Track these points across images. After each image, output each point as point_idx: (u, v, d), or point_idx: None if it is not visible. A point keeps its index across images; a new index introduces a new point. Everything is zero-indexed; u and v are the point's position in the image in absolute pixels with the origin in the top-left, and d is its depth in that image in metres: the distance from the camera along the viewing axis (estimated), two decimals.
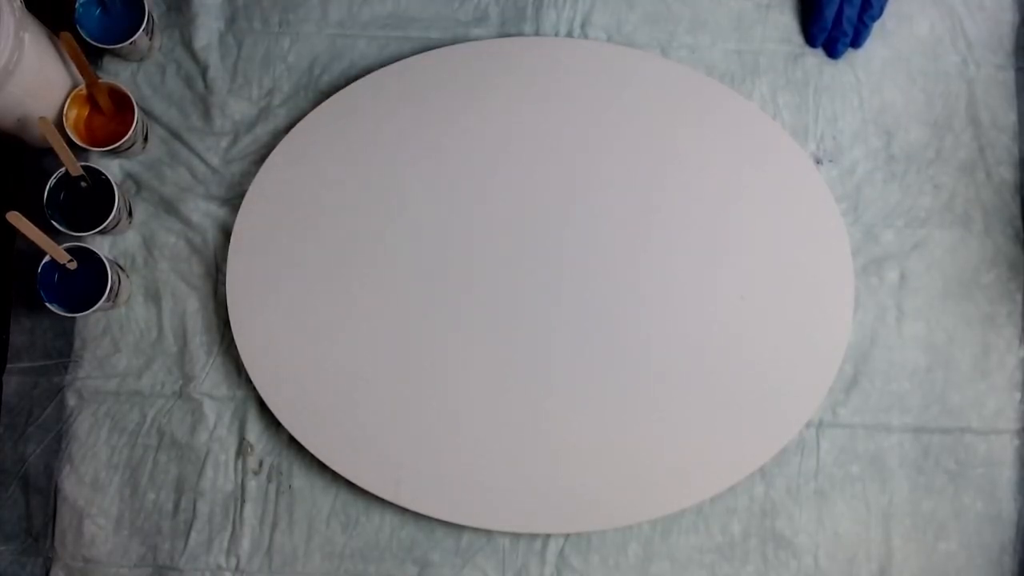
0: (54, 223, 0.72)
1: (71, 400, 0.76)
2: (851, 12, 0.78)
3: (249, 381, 0.75)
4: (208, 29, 0.79)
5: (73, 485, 0.75)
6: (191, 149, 0.78)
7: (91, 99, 0.74)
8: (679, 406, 0.75)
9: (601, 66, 0.78)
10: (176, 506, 0.75)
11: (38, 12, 0.71)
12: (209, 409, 0.76)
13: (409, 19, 0.79)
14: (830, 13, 0.78)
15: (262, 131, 0.78)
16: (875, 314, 0.78)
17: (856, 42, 0.79)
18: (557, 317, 0.75)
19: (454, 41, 0.79)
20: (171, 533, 0.75)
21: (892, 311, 0.78)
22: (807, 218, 0.77)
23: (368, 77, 0.77)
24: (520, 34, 0.79)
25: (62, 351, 0.76)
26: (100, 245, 0.76)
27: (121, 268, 0.75)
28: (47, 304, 0.71)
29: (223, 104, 0.78)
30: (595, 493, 0.74)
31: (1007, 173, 0.79)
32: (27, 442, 0.75)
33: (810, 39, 0.79)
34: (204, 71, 0.78)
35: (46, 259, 0.71)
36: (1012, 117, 0.80)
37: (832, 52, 0.79)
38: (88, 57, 0.72)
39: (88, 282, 0.71)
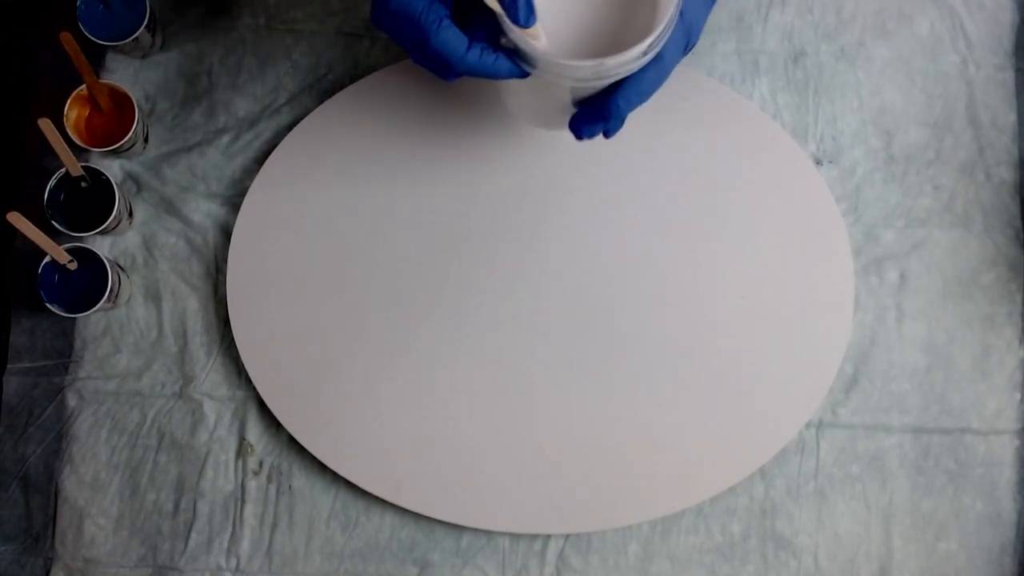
0: (54, 223, 0.72)
1: (71, 400, 0.76)
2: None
3: (249, 381, 0.75)
4: (214, 25, 0.79)
5: (73, 485, 0.75)
6: (193, 147, 0.78)
7: (91, 99, 0.74)
8: (679, 406, 0.75)
9: None
10: (176, 506, 0.75)
11: (40, 10, 0.70)
12: (209, 409, 0.76)
13: None
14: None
15: (265, 129, 0.78)
16: (875, 314, 0.78)
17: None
18: (557, 317, 0.75)
19: None
20: (171, 533, 0.75)
21: (892, 311, 0.78)
22: (807, 218, 0.77)
23: (371, 76, 0.77)
24: None
25: (62, 351, 0.76)
26: (100, 245, 0.76)
27: (121, 268, 0.75)
28: (47, 304, 0.71)
29: (227, 101, 0.78)
30: (595, 493, 0.74)
31: (1007, 174, 0.79)
32: (27, 442, 0.75)
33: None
34: (208, 68, 0.78)
35: (46, 259, 0.71)
36: (1012, 117, 0.80)
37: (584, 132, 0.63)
38: (91, 54, 0.72)
39: (88, 282, 0.71)
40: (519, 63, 0.57)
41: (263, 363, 0.75)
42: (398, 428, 0.74)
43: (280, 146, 0.77)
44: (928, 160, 0.79)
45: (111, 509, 0.75)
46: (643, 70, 0.58)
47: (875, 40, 0.80)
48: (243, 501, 0.75)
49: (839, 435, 0.77)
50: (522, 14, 0.55)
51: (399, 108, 0.77)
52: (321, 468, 0.75)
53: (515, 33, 0.56)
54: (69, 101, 0.73)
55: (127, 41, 0.73)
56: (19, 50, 0.81)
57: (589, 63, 0.55)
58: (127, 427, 0.76)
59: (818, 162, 0.79)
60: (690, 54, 0.79)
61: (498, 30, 0.57)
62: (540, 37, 0.57)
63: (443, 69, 0.58)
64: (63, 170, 0.71)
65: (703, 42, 0.80)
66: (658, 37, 0.55)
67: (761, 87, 0.79)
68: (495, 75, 0.57)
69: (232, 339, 0.75)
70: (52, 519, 0.75)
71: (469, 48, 0.57)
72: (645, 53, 0.55)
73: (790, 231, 0.77)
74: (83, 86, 0.73)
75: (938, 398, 0.77)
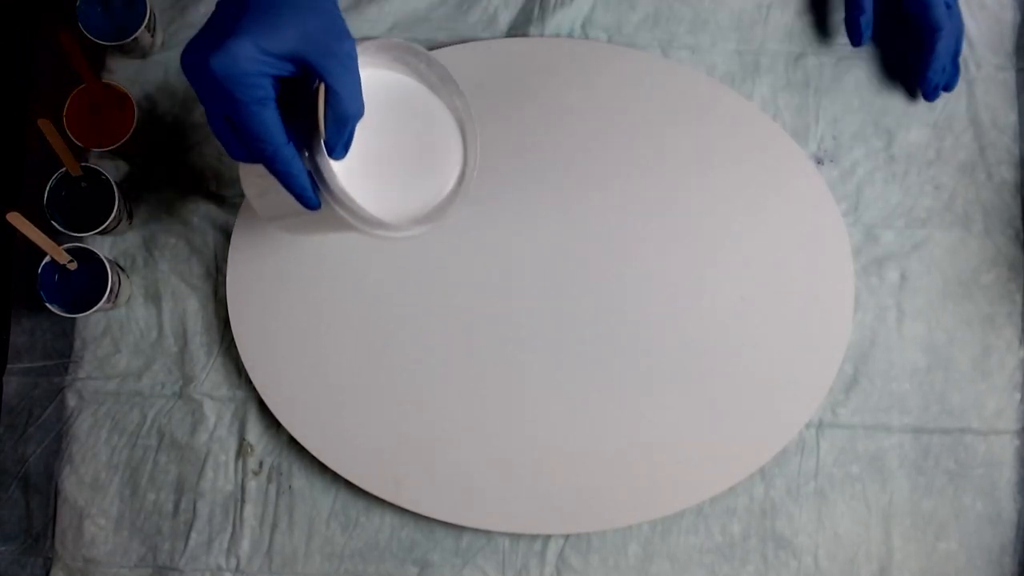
0: (54, 223, 0.72)
1: (71, 400, 0.76)
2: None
3: (249, 381, 0.75)
4: None
5: (73, 485, 0.75)
6: (193, 147, 0.78)
7: (91, 99, 0.73)
8: (679, 406, 0.75)
9: (601, 67, 0.78)
10: (176, 506, 0.75)
11: (40, 10, 0.70)
12: (209, 410, 0.76)
13: (416, 21, 0.79)
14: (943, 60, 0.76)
15: None
16: (875, 314, 0.78)
17: (949, 85, 0.79)
18: (557, 317, 0.75)
19: (461, 43, 0.79)
20: (171, 534, 0.75)
21: (892, 311, 0.78)
22: (807, 218, 0.77)
23: None
24: (525, 35, 0.79)
25: (62, 351, 0.76)
26: (100, 245, 0.76)
27: (121, 268, 0.75)
28: (47, 304, 0.71)
29: None
30: (595, 493, 0.74)
31: (1007, 173, 0.79)
32: (27, 442, 0.75)
33: (923, 85, 0.77)
34: None
35: (46, 259, 0.71)
36: (1012, 117, 0.80)
37: (935, 95, 0.78)
38: (90, 55, 0.72)
39: (88, 282, 0.71)
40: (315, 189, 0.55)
41: (263, 363, 0.75)
42: (398, 428, 0.74)
43: None
44: (928, 160, 0.79)
45: (111, 509, 0.75)
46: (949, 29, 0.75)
47: (875, 39, 0.80)
48: (243, 501, 0.75)
49: (839, 435, 0.77)
50: (340, 146, 0.54)
51: None
52: (321, 468, 0.75)
53: (322, 157, 0.54)
54: (69, 101, 0.73)
55: (127, 41, 0.73)
56: (19, 50, 0.80)
57: (371, 218, 0.56)
58: (127, 427, 0.76)
59: (819, 162, 0.79)
60: (690, 52, 0.79)
61: (302, 145, 0.54)
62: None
63: (248, 148, 0.54)
64: (63, 170, 0.71)
65: (703, 41, 0.80)
66: (422, 229, 0.60)
67: (762, 87, 0.79)
68: (293, 182, 0.54)
69: (232, 339, 0.75)
70: (52, 519, 0.75)
71: (288, 142, 0.53)
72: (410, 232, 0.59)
73: (790, 231, 0.77)
74: (83, 86, 0.73)
75: (938, 398, 0.77)
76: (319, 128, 0.53)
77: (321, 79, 0.52)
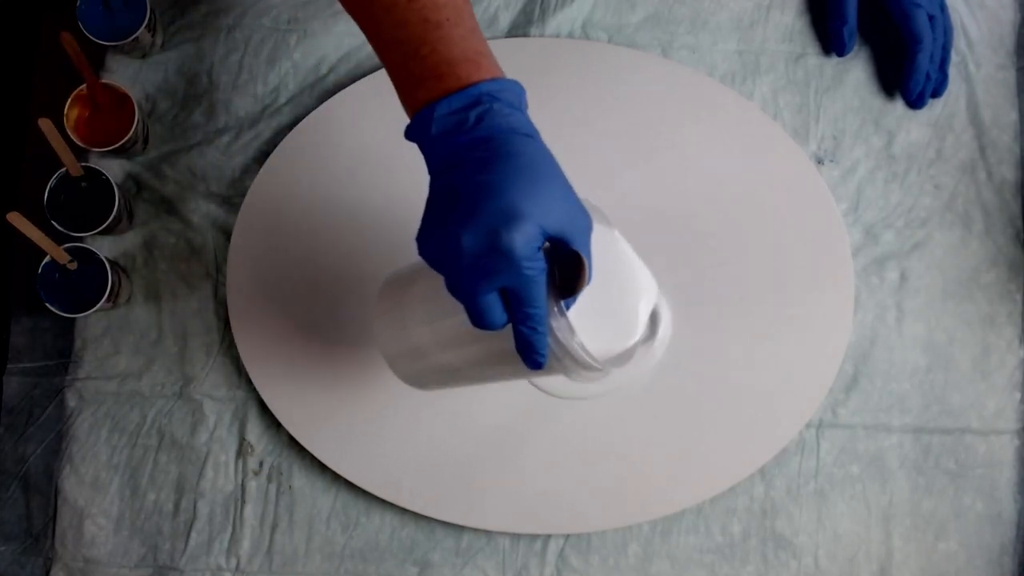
0: (54, 223, 0.72)
1: (71, 400, 0.76)
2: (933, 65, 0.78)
3: (249, 381, 0.75)
4: (214, 25, 0.79)
5: (73, 485, 0.75)
6: (193, 147, 0.78)
7: (91, 99, 0.74)
8: (679, 407, 0.75)
9: (602, 67, 0.78)
10: (176, 506, 0.75)
11: (40, 10, 0.70)
12: (209, 409, 0.76)
13: None
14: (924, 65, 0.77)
15: (265, 128, 0.78)
16: (875, 314, 0.78)
17: (937, 91, 0.79)
18: None
19: None
20: (171, 533, 0.75)
21: (892, 311, 0.78)
22: (807, 218, 0.77)
23: (372, 76, 0.77)
24: (525, 36, 0.79)
25: (62, 351, 0.76)
26: (100, 245, 0.76)
27: (121, 268, 0.75)
28: (47, 304, 0.71)
29: (227, 101, 0.78)
30: (595, 493, 0.74)
31: (1008, 173, 0.79)
32: (27, 442, 0.75)
33: (905, 94, 0.79)
34: (208, 68, 0.78)
35: (46, 259, 0.71)
36: (1013, 116, 0.80)
37: (920, 103, 0.79)
38: (91, 54, 0.72)
39: (88, 282, 0.71)
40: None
41: (263, 363, 0.75)
42: (398, 428, 0.74)
43: (280, 146, 0.77)
44: (929, 159, 0.79)
45: (111, 509, 0.75)
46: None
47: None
48: (243, 501, 0.75)
49: (839, 435, 0.77)
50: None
51: (400, 108, 0.77)
52: (321, 468, 0.75)
53: (561, 318, 0.53)
54: (69, 101, 0.73)
55: (127, 41, 0.74)
56: (19, 50, 0.80)
57: (600, 367, 0.55)
58: (127, 427, 0.76)
59: (819, 161, 0.79)
60: (691, 53, 0.79)
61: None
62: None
63: (512, 315, 0.52)
64: (63, 170, 0.71)
65: (703, 41, 0.80)
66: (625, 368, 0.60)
67: (762, 87, 0.79)
68: (539, 342, 0.53)
69: (232, 339, 0.75)
70: (52, 519, 0.75)
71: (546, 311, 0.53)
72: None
73: (790, 231, 0.77)
74: (83, 86, 0.73)
75: (938, 398, 0.77)
76: (565, 293, 0.53)
77: (573, 250, 0.52)
